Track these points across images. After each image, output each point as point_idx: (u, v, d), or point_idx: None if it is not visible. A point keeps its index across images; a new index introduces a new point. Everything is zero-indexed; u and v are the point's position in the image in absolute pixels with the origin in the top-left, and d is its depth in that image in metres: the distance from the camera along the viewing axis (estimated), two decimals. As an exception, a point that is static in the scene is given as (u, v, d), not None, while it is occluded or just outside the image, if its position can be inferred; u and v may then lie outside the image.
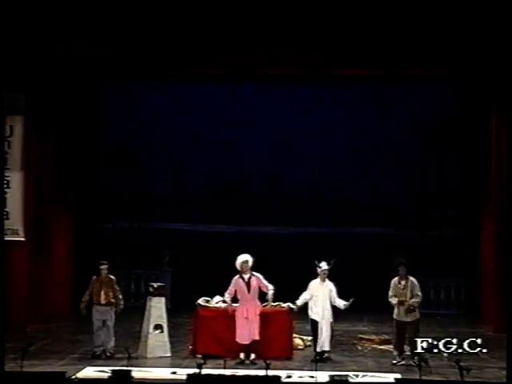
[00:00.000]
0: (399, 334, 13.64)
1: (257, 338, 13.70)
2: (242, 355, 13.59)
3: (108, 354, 13.89)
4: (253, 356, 13.61)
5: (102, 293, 14.02)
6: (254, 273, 13.86)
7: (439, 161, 23.00)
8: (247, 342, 13.67)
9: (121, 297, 14.26)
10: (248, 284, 13.76)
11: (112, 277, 14.24)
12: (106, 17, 15.29)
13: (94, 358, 13.75)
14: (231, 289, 13.86)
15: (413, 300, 13.55)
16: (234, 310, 13.81)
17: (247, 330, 13.66)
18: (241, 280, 13.80)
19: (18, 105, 16.30)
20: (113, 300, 14.08)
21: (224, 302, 14.12)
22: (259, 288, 13.85)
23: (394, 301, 13.63)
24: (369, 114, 24.27)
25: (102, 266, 14.19)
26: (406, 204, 24.48)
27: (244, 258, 13.84)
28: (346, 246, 23.58)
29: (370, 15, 15.09)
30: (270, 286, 13.84)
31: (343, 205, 25.29)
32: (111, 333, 14.06)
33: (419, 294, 13.65)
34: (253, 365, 13.28)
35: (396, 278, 13.76)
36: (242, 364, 13.18)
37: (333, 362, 13.73)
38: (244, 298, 13.78)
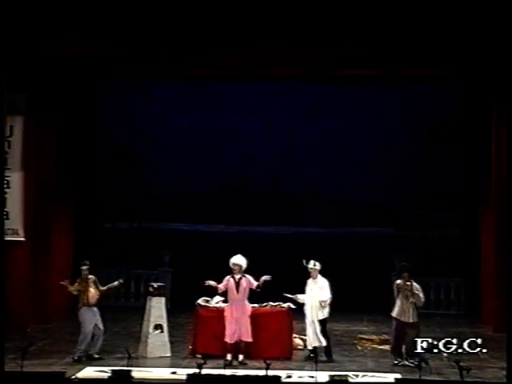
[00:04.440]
0: (398, 336, 13.59)
1: (247, 339, 13.67)
2: (228, 356, 13.50)
3: (96, 357, 13.74)
4: (241, 357, 13.56)
5: (91, 293, 13.94)
6: (245, 275, 13.86)
7: (439, 161, 23.03)
8: (232, 342, 13.61)
9: (97, 295, 14.03)
10: (237, 284, 13.76)
11: (91, 276, 14.03)
12: (107, 16, 15.28)
13: (76, 362, 13.50)
14: (222, 284, 13.85)
15: (418, 298, 13.55)
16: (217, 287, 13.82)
17: (234, 330, 13.63)
18: (232, 279, 13.81)
19: (18, 105, 16.29)
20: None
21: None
22: (250, 289, 13.84)
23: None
24: (369, 114, 24.30)
25: (83, 267, 14.04)
26: (406, 204, 24.50)
27: (236, 261, 13.85)
28: (346, 246, 23.61)
29: (370, 15, 15.08)
30: (256, 283, 13.76)
31: (343, 205, 25.32)
32: (101, 335, 13.98)
33: (421, 295, 13.64)
34: (242, 365, 13.24)
35: (400, 281, 13.74)
36: (229, 365, 12.91)
37: (333, 362, 13.73)
38: (232, 298, 13.79)
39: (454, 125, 21.49)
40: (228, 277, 13.85)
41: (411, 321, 13.52)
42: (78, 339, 13.88)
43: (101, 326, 13.93)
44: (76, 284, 14.05)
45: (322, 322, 13.95)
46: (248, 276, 13.85)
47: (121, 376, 10.04)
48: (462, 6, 14.81)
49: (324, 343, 13.89)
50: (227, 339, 13.64)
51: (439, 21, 15.07)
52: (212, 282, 13.84)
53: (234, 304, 13.76)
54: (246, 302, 13.85)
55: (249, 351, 13.74)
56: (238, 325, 13.67)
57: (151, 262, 21.24)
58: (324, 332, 13.94)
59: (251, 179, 25.70)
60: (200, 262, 21.46)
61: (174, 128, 24.78)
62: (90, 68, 17.72)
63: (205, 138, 25.03)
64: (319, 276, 14.06)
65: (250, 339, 13.69)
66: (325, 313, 13.96)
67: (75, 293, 14.03)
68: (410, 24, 15.17)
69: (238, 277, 13.78)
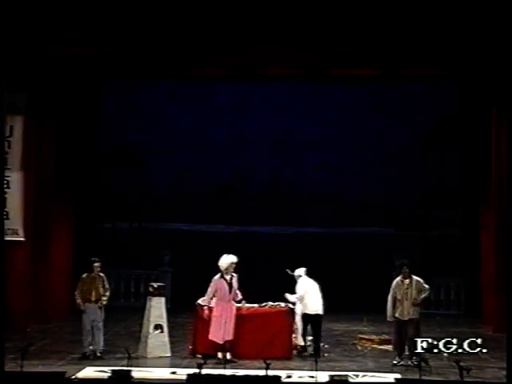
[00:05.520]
0: (399, 333, 13.63)
1: (229, 337, 13.69)
2: (220, 355, 13.52)
3: (98, 355, 13.81)
4: (228, 356, 13.54)
5: (93, 290, 13.99)
6: (233, 274, 13.91)
7: (439, 161, 23.02)
8: (221, 342, 13.64)
9: (108, 294, 14.17)
10: (230, 285, 13.79)
11: (102, 274, 14.21)
12: (107, 16, 15.29)
13: (83, 359, 13.64)
14: (212, 290, 13.82)
15: (422, 295, 13.57)
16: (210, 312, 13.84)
17: (223, 330, 13.66)
18: (223, 280, 13.81)
19: (18, 105, 16.29)
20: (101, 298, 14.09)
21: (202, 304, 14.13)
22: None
23: (389, 303, 13.67)
24: (369, 114, 24.29)
25: (96, 264, 14.15)
26: (406, 204, 24.48)
27: (233, 260, 13.85)
28: (346, 246, 23.61)
29: (370, 15, 15.09)
30: (240, 296, 13.93)
31: (343, 205, 25.30)
32: (101, 332, 14.02)
33: (427, 286, 13.67)
34: (230, 364, 13.15)
35: (398, 278, 13.76)
36: (219, 364, 12.87)
37: (333, 362, 13.73)
38: (224, 298, 13.78)
39: (454, 125, 21.50)
40: (217, 278, 13.83)
41: (411, 317, 13.53)
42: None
43: (99, 320, 13.94)
44: (80, 283, 14.11)
45: (312, 319, 14.17)
46: (235, 275, 13.90)
47: (121, 376, 10.03)
48: (461, 6, 14.81)
49: (302, 343, 14.16)
50: (216, 339, 13.63)
51: (439, 21, 15.08)
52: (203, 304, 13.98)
53: (224, 304, 13.76)
54: (233, 302, 13.91)
55: (248, 351, 13.75)
56: (226, 325, 13.69)
57: (151, 261, 21.24)
58: (316, 331, 14.17)
59: (251, 179, 25.69)
60: (200, 262, 21.42)
61: (174, 128, 24.76)
62: (90, 68, 17.73)
63: (205, 138, 25.01)
64: (300, 279, 14.43)
65: (231, 337, 13.70)
66: (306, 308, 14.22)
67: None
68: (410, 24, 15.17)
69: (228, 277, 13.80)
